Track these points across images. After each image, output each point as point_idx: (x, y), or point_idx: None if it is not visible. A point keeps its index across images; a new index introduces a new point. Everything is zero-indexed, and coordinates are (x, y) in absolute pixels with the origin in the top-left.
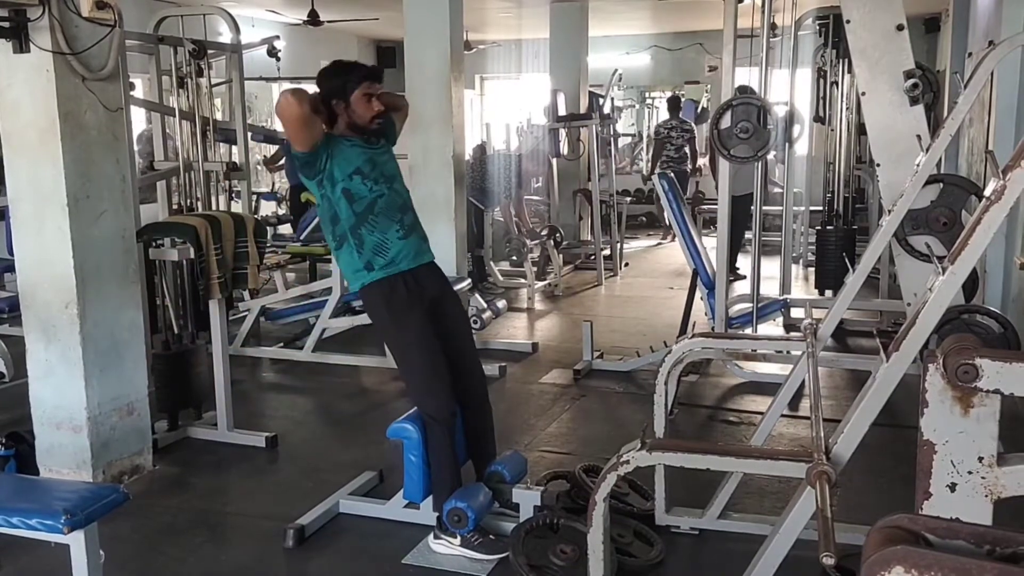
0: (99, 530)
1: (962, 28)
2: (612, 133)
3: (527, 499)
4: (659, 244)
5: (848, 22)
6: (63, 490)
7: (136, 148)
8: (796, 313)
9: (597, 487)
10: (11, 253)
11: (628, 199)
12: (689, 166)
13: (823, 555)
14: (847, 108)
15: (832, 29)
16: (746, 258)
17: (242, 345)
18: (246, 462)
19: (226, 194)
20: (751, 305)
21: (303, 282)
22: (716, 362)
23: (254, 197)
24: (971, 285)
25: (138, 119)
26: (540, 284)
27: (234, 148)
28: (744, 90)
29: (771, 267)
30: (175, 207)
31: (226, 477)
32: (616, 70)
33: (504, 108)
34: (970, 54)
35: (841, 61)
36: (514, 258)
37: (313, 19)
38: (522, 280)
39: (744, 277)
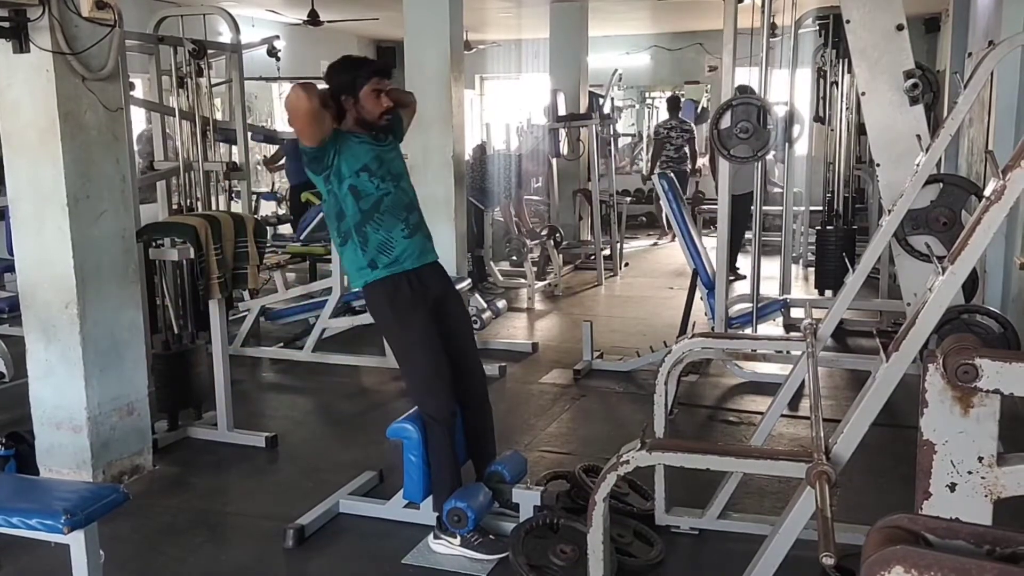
0: (99, 530)
1: (962, 28)
2: (612, 133)
3: (527, 499)
4: (655, 244)
5: (848, 22)
6: (63, 490)
7: (136, 148)
8: (796, 313)
9: (597, 487)
10: (11, 253)
11: (628, 199)
12: (689, 166)
13: (823, 555)
14: (847, 108)
15: (832, 29)
16: (746, 258)
17: (242, 345)
18: (246, 462)
19: (226, 194)
20: (751, 305)
21: (303, 282)
22: (716, 362)
23: (254, 197)
24: (971, 285)
25: (138, 119)
26: (540, 284)
27: (234, 148)
28: (744, 90)
29: (771, 267)
30: (175, 207)
31: (226, 477)
32: (616, 70)
33: (504, 108)
34: (970, 54)
35: (841, 61)
36: (514, 258)
37: (313, 19)
38: (522, 280)
39: (744, 277)
